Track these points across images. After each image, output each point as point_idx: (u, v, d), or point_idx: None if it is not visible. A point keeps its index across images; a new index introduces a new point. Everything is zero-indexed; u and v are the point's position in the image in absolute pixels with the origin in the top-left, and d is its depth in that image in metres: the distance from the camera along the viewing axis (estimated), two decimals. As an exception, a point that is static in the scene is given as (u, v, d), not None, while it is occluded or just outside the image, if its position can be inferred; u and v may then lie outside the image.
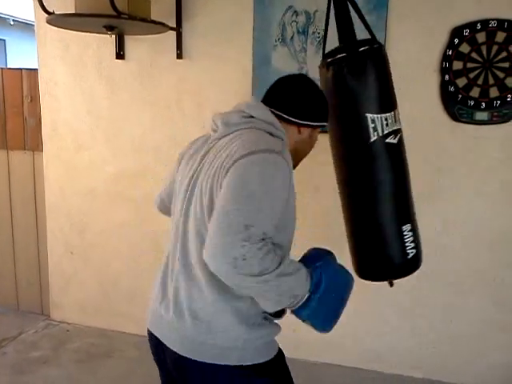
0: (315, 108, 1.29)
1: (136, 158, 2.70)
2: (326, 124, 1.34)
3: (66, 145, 2.82)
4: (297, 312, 1.15)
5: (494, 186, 2.28)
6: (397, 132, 1.67)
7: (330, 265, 1.21)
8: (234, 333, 1.14)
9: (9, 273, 3.15)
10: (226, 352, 1.13)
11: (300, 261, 1.19)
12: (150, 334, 1.28)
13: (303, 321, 1.18)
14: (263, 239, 1.01)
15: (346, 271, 1.26)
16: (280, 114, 1.24)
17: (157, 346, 1.25)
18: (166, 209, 1.42)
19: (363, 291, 2.51)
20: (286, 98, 1.26)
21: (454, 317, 2.43)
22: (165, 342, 1.20)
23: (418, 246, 1.74)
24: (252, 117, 1.21)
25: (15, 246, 3.11)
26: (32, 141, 2.92)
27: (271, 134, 1.18)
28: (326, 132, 1.65)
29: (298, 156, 1.29)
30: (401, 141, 1.70)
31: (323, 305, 1.16)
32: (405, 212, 1.70)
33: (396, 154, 1.68)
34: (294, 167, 1.23)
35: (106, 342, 2.77)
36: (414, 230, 1.72)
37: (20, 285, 3.15)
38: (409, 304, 2.47)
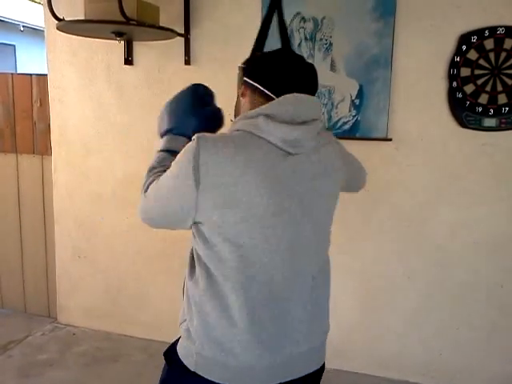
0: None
1: (144, 163, 2.68)
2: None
3: (74, 149, 2.84)
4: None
5: (502, 193, 2.27)
6: None
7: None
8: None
9: (16, 275, 3.17)
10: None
11: None
12: None
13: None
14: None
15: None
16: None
17: None
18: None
19: (370, 298, 2.51)
20: (315, 84, 1.18)
21: (461, 323, 2.42)
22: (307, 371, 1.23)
23: None
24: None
25: (23, 249, 3.13)
26: (41, 145, 2.95)
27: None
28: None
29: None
30: None
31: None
32: None
33: None
34: None
35: (113, 346, 2.78)
36: None
37: (27, 288, 3.17)
38: (415, 310, 2.46)
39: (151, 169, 1.22)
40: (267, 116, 1.04)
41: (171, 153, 1.22)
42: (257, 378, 1.09)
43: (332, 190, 1.18)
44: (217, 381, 1.08)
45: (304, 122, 1.07)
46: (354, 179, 1.42)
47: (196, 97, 1.27)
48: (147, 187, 1.14)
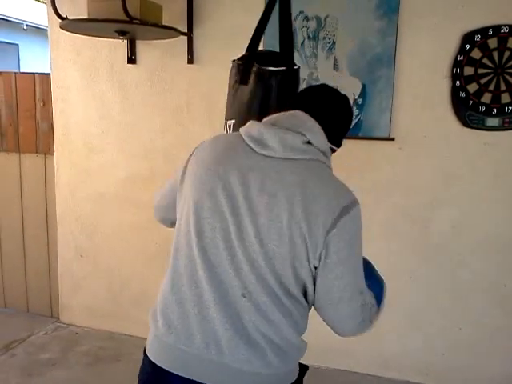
0: (345, 134, 1.21)
1: (147, 162, 2.72)
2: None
3: (77, 148, 2.84)
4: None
5: (505, 193, 2.26)
6: None
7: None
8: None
9: (19, 275, 3.17)
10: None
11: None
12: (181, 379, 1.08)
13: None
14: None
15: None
16: (331, 145, 1.13)
17: None
18: (172, 222, 1.25)
19: (372, 297, 2.51)
20: (337, 127, 1.15)
21: (463, 323, 2.41)
22: None
23: None
24: (309, 143, 1.06)
25: (26, 249, 3.14)
26: (44, 144, 2.95)
27: (330, 168, 1.11)
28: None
29: None
30: None
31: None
32: None
33: None
34: None
35: (115, 345, 2.78)
36: None
37: (30, 287, 3.18)
38: (417, 310, 2.46)
39: None
40: (264, 122, 1.13)
41: None
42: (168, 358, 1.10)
43: (284, 230, 1.00)
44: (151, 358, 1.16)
45: (276, 126, 1.08)
46: (330, 300, 1.07)
47: None
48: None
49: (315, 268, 1.03)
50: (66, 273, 3.02)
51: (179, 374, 1.06)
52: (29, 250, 3.13)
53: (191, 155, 1.17)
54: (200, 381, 1.04)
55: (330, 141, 1.12)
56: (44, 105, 2.90)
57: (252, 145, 1.06)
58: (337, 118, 1.16)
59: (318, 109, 1.13)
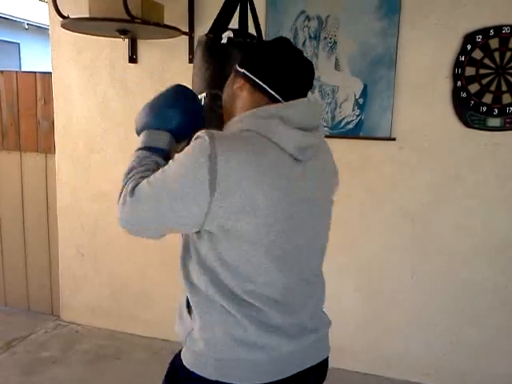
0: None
1: (147, 161, 2.72)
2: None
3: (78, 147, 2.85)
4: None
5: (506, 192, 2.26)
6: None
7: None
8: None
9: (20, 273, 3.18)
10: None
11: None
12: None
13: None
14: None
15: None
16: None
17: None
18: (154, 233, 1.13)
19: (373, 298, 2.51)
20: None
21: (465, 324, 2.41)
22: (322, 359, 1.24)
23: None
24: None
25: (27, 247, 3.14)
26: (45, 143, 2.95)
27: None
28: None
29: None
30: None
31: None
32: None
33: None
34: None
35: (115, 344, 2.78)
36: None
37: (31, 285, 3.18)
38: (419, 310, 2.46)
39: (130, 169, 1.10)
40: (281, 119, 0.98)
41: (153, 151, 1.15)
42: (282, 367, 1.06)
43: (330, 194, 1.18)
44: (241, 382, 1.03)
45: (313, 129, 1.05)
46: None
47: (177, 91, 1.19)
48: (132, 190, 1.01)
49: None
50: (67, 271, 3.02)
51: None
52: (30, 249, 3.14)
53: (215, 177, 0.92)
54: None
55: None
56: (45, 104, 2.91)
57: (298, 155, 1.00)
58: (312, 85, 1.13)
59: (308, 87, 1.10)
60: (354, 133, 2.35)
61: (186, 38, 2.49)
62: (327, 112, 2.37)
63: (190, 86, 2.55)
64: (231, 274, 1.00)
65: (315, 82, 2.35)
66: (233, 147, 0.94)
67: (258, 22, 1.68)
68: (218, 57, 1.46)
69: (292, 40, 2.35)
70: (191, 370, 1.05)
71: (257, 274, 1.00)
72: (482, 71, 2.19)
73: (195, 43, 2.51)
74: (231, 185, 0.91)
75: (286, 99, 1.03)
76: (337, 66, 2.33)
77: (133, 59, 2.63)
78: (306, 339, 1.10)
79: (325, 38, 2.32)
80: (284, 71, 1.04)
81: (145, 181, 1.00)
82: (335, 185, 1.19)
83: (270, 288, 1.02)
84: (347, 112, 2.35)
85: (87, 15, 2.18)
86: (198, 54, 1.53)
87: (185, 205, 0.94)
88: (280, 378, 1.04)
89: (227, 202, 0.92)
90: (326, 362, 1.23)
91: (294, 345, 1.06)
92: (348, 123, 2.36)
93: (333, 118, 2.38)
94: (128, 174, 1.08)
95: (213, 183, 0.91)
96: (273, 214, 0.96)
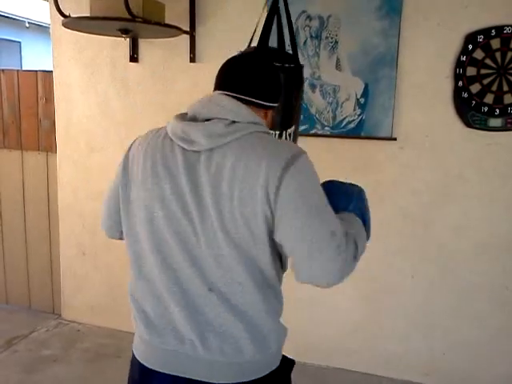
0: (277, 87, 1.18)
1: (148, 160, 2.72)
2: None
3: (79, 146, 2.85)
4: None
5: (508, 193, 2.26)
6: None
7: (357, 198, 1.25)
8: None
9: (21, 272, 3.18)
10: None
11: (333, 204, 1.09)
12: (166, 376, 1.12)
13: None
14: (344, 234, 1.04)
15: (357, 187, 1.28)
16: (253, 100, 1.11)
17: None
18: (117, 234, 1.30)
19: (373, 297, 2.51)
20: (251, 80, 1.13)
21: (465, 324, 2.41)
22: (207, 379, 1.08)
23: None
24: (234, 122, 1.06)
25: (28, 246, 3.15)
26: (46, 142, 2.96)
27: (266, 133, 1.10)
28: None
29: None
30: None
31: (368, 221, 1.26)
32: None
33: None
34: None
35: (116, 343, 2.79)
36: None
37: (32, 284, 3.19)
38: (419, 310, 2.46)
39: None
40: (176, 116, 1.15)
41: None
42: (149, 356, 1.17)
43: (229, 204, 0.99)
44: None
45: (195, 120, 1.10)
46: (292, 246, 1.02)
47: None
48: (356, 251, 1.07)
49: (271, 233, 1.02)
50: (68, 270, 3.03)
51: (158, 370, 1.12)
52: (31, 247, 3.14)
53: (126, 157, 1.21)
54: (180, 375, 1.08)
55: (263, 99, 1.12)
56: (46, 102, 2.91)
57: (181, 144, 1.07)
58: (250, 77, 1.15)
59: (231, 81, 1.15)
60: (355, 132, 2.35)
61: (187, 37, 2.49)
62: (328, 111, 2.37)
63: (191, 85, 2.55)
64: None
65: (316, 82, 2.36)
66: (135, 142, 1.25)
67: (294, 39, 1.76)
68: None
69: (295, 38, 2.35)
70: None
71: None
72: (483, 71, 2.19)
73: (196, 42, 2.53)
74: (130, 163, 1.20)
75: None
76: (338, 66, 2.33)
77: (134, 58, 2.64)
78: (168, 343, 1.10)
79: (326, 38, 2.32)
80: (218, 72, 1.25)
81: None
82: (267, 188, 0.99)
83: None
84: (348, 112, 2.35)
85: (88, 14, 2.18)
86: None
87: (115, 186, 1.35)
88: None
89: (130, 174, 1.20)
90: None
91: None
92: (349, 123, 2.36)
93: (334, 117, 2.37)
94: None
95: (124, 164, 1.24)
96: (139, 183, 1.12)
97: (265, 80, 1.15)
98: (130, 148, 1.21)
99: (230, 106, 1.08)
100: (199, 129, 1.05)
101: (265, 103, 1.13)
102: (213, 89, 1.20)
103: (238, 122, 1.05)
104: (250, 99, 1.11)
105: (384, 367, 2.54)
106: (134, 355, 1.22)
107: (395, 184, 2.39)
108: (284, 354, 1.17)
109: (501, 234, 2.30)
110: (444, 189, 2.33)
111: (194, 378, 1.07)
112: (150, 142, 1.15)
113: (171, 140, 1.10)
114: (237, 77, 1.15)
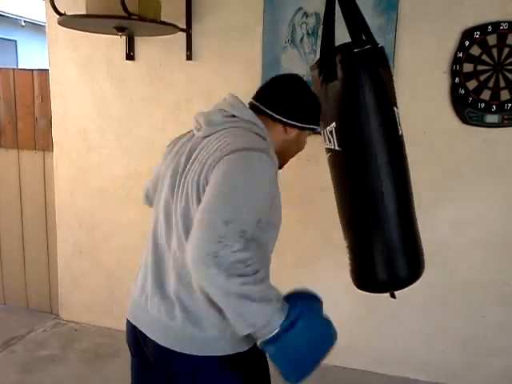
0: (304, 109, 1.28)
1: (145, 159, 2.71)
2: (316, 127, 1.32)
3: (75, 145, 2.84)
4: (263, 346, 1.03)
5: (504, 189, 2.27)
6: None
7: (312, 310, 1.11)
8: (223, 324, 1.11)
9: (18, 271, 3.17)
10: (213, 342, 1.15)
11: (285, 296, 1.07)
12: (131, 325, 1.32)
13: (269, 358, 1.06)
14: (241, 237, 0.99)
15: (331, 325, 1.12)
16: (266, 110, 1.25)
17: (137, 336, 1.29)
18: (150, 202, 1.44)
19: (372, 296, 2.51)
20: (275, 96, 1.27)
21: (463, 320, 2.41)
22: (148, 334, 1.24)
23: (421, 255, 1.66)
24: (234, 116, 1.20)
25: (25, 245, 3.14)
26: (42, 141, 2.94)
27: (256, 134, 1.19)
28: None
29: (284, 156, 1.29)
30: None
31: (293, 350, 1.03)
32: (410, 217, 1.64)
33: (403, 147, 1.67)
34: (281, 167, 1.24)
35: (114, 342, 2.78)
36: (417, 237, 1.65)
37: (29, 283, 3.18)
38: (417, 307, 2.46)
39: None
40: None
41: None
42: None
43: (194, 185, 1.13)
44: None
45: (211, 112, 1.25)
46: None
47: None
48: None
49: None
50: (66, 269, 3.02)
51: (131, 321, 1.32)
52: (28, 247, 3.13)
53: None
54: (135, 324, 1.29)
55: (278, 113, 1.24)
56: (42, 101, 2.90)
57: (194, 131, 1.27)
58: (278, 91, 1.28)
59: (258, 92, 1.31)
60: (353, 129, 2.34)
61: (183, 35, 2.48)
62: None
63: (187, 83, 2.54)
64: None
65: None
66: None
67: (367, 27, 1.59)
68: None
69: (290, 36, 2.35)
70: None
71: None
72: (479, 67, 2.19)
73: (193, 40, 2.52)
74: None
75: None
76: (335, 63, 2.32)
77: (130, 56, 2.63)
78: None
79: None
80: None
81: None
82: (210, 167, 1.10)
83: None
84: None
85: (84, 12, 2.17)
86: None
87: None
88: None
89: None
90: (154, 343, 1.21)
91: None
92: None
93: (331, 114, 2.37)
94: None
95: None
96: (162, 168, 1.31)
97: (289, 99, 1.27)
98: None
99: (233, 102, 1.24)
100: (203, 116, 1.23)
101: (281, 118, 1.25)
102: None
103: (236, 116, 1.20)
104: (264, 109, 1.25)
105: (383, 364, 2.55)
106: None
107: (393, 181, 2.38)
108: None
109: (498, 230, 2.30)
110: (440, 185, 2.33)
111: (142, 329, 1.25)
112: (181, 138, 1.36)
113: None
114: (266, 92, 1.30)
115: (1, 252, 3.21)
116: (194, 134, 1.27)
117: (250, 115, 1.21)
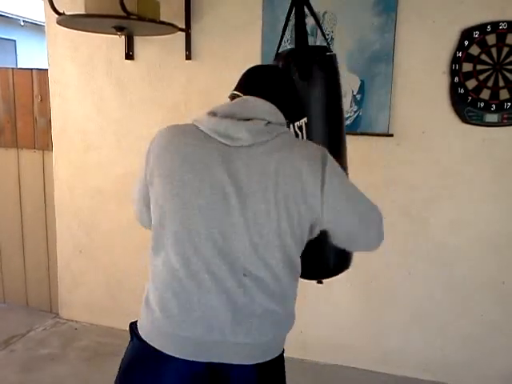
0: (296, 108, 1.34)
1: (144, 158, 2.71)
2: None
3: (75, 145, 2.84)
4: None
5: (503, 189, 2.27)
6: None
7: None
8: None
9: (18, 270, 3.18)
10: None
11: None
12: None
13: None
14: None
15: None
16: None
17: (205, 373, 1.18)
18: (149, 224, 1.28)
19: (371, 294, 2.52)
20: (282, 98, 1.24)
21: (462, 319, 2.42)
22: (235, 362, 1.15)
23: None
24: (270, 122, 1.16)
25: (25, 244, 3.14)
26: (42, 140, 2.95)
27: (291, 134, 1.24)
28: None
29: None
30: None
31: None
32: None
33: None
34: None
35: (113, 341, 2.78)
36: None
37: (29, 282, 3.18)
38: (417, 306, 2.46)
39: None
40: (209, 113, 1.19)
41: None
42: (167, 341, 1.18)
43: (270, 197, 1.09)
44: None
45: (243, 119, 1.15)
46: (347, 225, 1.21)
47: None
48: None
49: (313, 223, 1.15)
50: (65, 268, 3.02)
51: (182, 358, 1.14)
52: (28, 245, 3.13)
53: (149, 152, 1.22)
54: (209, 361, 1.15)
55: (288, 117, 1.25)
56: (42, 101, 2.90)
57: (223, 140, 1.13)
58: (281, 89, 1.27)
59: (263, 88, 1.24)
60: (352, 129, 2.35)
61: (182, 35, 2.48)
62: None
63: (187, 82, 2.54)
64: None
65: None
66: (160, 131, 1.24)
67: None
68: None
69: (289, 36, 2.34)
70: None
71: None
72: (479, 67, 2.19)
73: (192, 40, 2.52)
74: (149, 154, 1.21)
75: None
76: (334, 62, 2.32)
77: (129, 56, 2.63)
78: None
79: (322, 35, 2.31)
80: (240, 80, 1.33)
81: None
82: (303, 192, 1.10)
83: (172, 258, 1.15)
84: (345, 108, 2.35)
85: (83, 12, 2.17)
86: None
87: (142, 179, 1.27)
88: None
89: (149, 166, 1.21)
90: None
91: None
92: (345, 119, 2.35)
93: (330, 114, 2.37)
94: None
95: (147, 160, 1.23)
96: (171, 176, 1.14)
97: (292, 100, 1.29)
98: (151, 142, 1.24)
99: (268, 109, 1.19)
100: (243, 126, 1.13)
101: (287, 121, 1.26)
102: (235, 88, 1.29)
103: (271, 122, 1.16)
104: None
105: (382, 363, 2.55)
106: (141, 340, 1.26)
107: (392, 180, 2.39)
108: None
109: (497, 229, 2.30)
110: (440, 184, 2.33)
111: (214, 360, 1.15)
112: (176, 137, 1.21)
113: (205, 135, 1.15)
114: (269, 89, 1.25)
115: (1, 251, 3.21)
116: (221, 144, 1.13)
117: (282, 119, 1.21)
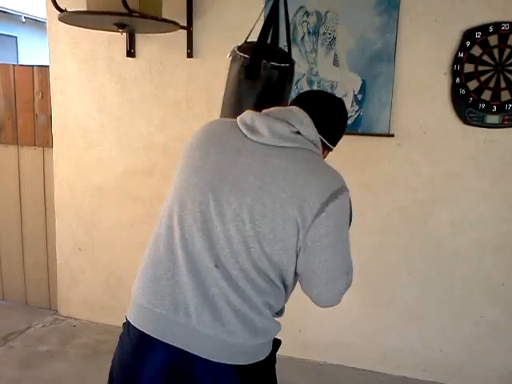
0: (341, 135, 1.32)
1: (145, 156, 2.72)
2: None
3: (75, 142, 2.84)
4: None
5: (504, 190, 2.27)
6: None
7: None
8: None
9: (18, 267, 3.17)
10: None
11: None
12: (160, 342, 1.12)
13: None
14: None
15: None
16: (322, 138, 1.21)
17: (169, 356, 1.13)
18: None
19: (370, 294, 2.52)
20: (331, 124, 1.25)
21: (461, 320, 2.42)
22: (201, 355, 1.10)
23: None
24: (298, 133, 1.13)
25: (24, 242, 3.14)
26: (42, 137, 2.94)
27: (318, 155, 1.18)
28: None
29: None
30: None
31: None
32: None
33: None
34: None
35: (113, 338, 2.76)
36: None
37: (28, 279, 3.18)
38: (415, 306, 2.47)
39: None
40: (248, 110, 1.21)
41: None
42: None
43: (277, 205, 1.06)
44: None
45: (268, 116, 1.15)
46: (310, 272, 1.13)
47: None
48: None
49: (298, 251, 1.09)
50: (65, 266, 3.02)
51: (148, 333, 1.14)
52: (27, 243, 3.13)
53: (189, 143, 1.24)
54: (166, 341, 1.11)
55: (325, 138, 1.22)
56: (42, 97, 2.89)
57: (244, 131, 1.14)
58: (331, 117, 1.26)
59: (314, 107, 1.21)
60: (353, 129, 2.34)
61: (184, 32, 2.48)
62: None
63: (188, 80, 2.54)
64: None
65: (313, 78, 2.35)
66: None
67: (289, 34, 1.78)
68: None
69: (291, 35, 2.34)
70: None
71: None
72: (480, 68, 2.19)
73: (194, 37, 2.51)
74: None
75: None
76: (335, 62, 2.32)
77: (131, 53, 2.62)
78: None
79: (324, 34, 2.31)
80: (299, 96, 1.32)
81: None
82: (302, 206, 1.06)
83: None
84: (346, 108, 2.35)
85: (85, 8, 2.16)
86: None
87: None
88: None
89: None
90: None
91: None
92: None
93: (331, 113, 2.37)
94: None
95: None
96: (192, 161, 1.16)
97: (340, 129, 1.30)
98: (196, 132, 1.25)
99: (302, 119, 1.15)
100: (267, 122, 1.12)
101: (330, 146, 1.27)
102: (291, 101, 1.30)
103: (301, 134, 1.13)
104: (321, 137, 1.20)
105: (381, 363, 2.55)
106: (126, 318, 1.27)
107: (392, 180, 2.39)
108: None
109: (497, 231, 2.30)
110: (441, 185, 2.33)
111: (185, 349, 1.10)
112: (215, 121, 1.28)
113: (236, 125, 1.17)
114: (323, 109, 1.24)
115: (0, 247, 3.20)
116: (239, 131, 1.15)
117: (314, 136, 1.16)
